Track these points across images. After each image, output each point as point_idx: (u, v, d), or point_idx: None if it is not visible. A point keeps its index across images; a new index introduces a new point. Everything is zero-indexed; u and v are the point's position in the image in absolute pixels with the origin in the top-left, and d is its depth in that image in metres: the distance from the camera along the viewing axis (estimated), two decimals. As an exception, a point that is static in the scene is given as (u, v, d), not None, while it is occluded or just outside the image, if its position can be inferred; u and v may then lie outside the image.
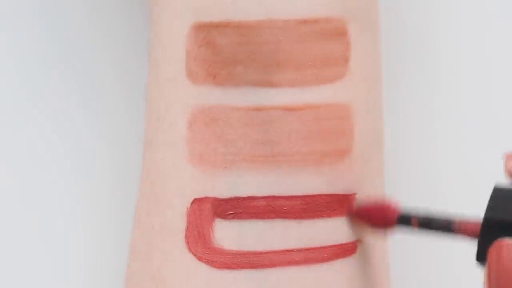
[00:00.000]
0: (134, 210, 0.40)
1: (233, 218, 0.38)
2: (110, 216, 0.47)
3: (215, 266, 0.38)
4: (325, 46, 0.38)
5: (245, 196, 0.38)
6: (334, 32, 0.38)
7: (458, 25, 0.48)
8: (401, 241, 0.46)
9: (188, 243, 0.38)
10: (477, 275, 0.47)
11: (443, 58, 0.48)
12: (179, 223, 0.38)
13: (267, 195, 0.38)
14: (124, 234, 0.40)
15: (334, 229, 0.38)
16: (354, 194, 0.39)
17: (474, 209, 0.47)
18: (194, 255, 0.38)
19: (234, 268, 0.38)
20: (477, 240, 0.35)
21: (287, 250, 0.38)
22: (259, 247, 0.38)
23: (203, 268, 0.38)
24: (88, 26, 0.48)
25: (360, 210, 0.38)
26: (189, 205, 0.38)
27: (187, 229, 0.38)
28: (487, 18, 0.48)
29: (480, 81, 0.48)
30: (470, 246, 0.47)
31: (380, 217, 0.37)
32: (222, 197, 0.38)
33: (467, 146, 0.47)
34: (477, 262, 0.35)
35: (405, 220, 0.37)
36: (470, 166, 0.47)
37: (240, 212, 0.38)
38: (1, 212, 0.48)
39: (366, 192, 0.39)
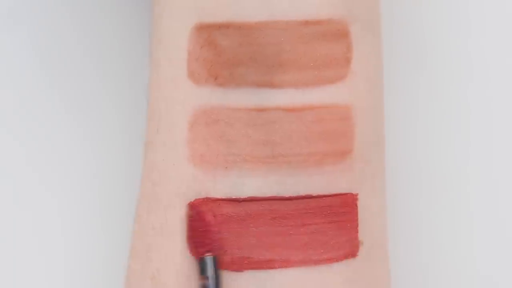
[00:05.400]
0: (134, 211, 0.40)
1: (234, 219, 0.38)
2: (110, 216, 0.47)
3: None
4: (327, 47, 0.38)
5: (246, 196, 0.38)
6: (336, 34, 0.38)
7: (460, 26, 0.48)
8: (401, 241, 0.46)
9: (188, 243, 0.38)
10: (478, 275, 0.47)
11: (444, 59, 0.48)
12: (180, 224, 0.38)
13: (268, 195, 0.38)
14: (124, 234, 0.40)
15: (336, 230, 0.38)
16: (356, 194, 0.39)
17: (474, 209, 0.48)
18: (195, 256, 0.38)
19: (235, 269, 0.38)
20: None
21: (288, 251, 0.38)
22: (261, 248, 0.38)
23: (203, 269, 0.38)
24: (89, 26, 0.48)
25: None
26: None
27: (188, 230, 0.38)
28: (488, 19, 0.48)
29: (481, 82, 0.48)
30: (471, 247, 0.47)
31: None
32: (223, 198, 0.38)
33: (467, 147, 0.48)
34: None
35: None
36: (470, 166, 0.47)
37: (242, 213, 0.38)
38: (2, 214, 0.48)
39: (367, 193, 0.39)
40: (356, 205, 0.39)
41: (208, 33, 0.38)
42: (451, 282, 0.47)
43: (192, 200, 0.38)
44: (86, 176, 0.47)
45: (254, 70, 0.37)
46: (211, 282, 0.37)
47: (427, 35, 0.48)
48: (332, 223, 0.38)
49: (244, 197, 0.38)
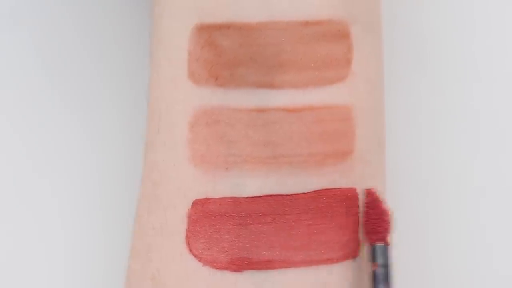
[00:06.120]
0: (134, 211, 0.40)
1: (234, 219, 0.38)
2: (111, 217, 0.47)
3: (215, 267, 0.38)
4: (327, 48, 0.38)
5: (246, 196, 0.38)
6: (336, 34, 0.38)
7: (460, 27, 0.48)
8: (401, 242, 0.46)
9: (188, 244, 0.38)
10: (478, 276, 0.47)
11: (445, 59, 0.48)
12: (180, 224, 0.38)
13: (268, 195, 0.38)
14: (124, 234, 0.40)
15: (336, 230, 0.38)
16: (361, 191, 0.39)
17: (475, 210, 0.48)
18: (195, 256, 0.38)
19: (234, 270, 0.38)
20: None
21: (288, 251, 0.38)
22: (260, 248, 0.38)
23: (203, 269, 0.38)
24: (89, 26, 0.48)
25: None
26: (190, 206, 0.38)
27: (188, 230, 0.38)
28: (489, 20, 0.48)
29: (481, 83, 0.48)
30: (471, 248, 0.47)
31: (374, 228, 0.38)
32: (223, 197, 0.38)
33: (467, 147, 0.48)
34: None
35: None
36: (470, 167, 0.47)
37: (242, 213, 0.38)
38: (3, 214, 0.48)
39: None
40: (358, 206, 0.39)
41: (209, 34, 0.38)
42: (451, 282, 0.47)
43: (368, 188, 0.38)
44: (87, 176, 0.47)
45: (254, 71, 0.37)
46: (382, 270, 0.37)
47: (428, 36, 0.48)
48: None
49: (244, 197, 0.38)
